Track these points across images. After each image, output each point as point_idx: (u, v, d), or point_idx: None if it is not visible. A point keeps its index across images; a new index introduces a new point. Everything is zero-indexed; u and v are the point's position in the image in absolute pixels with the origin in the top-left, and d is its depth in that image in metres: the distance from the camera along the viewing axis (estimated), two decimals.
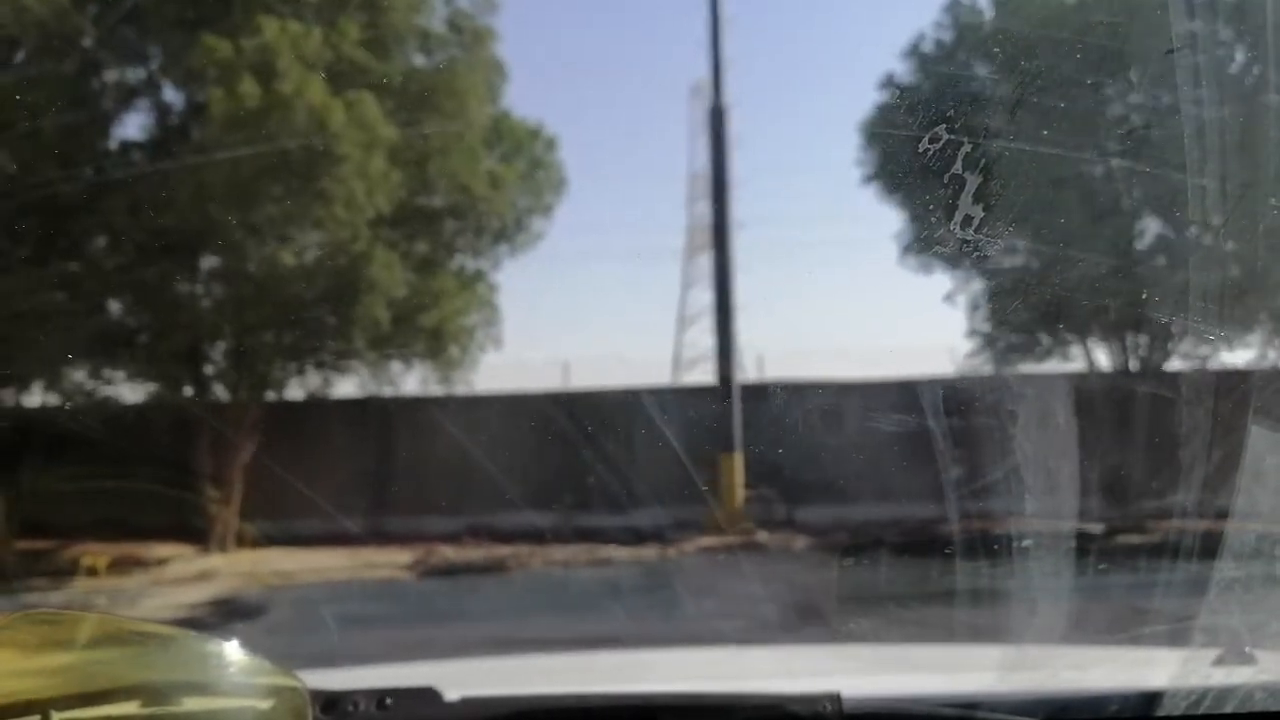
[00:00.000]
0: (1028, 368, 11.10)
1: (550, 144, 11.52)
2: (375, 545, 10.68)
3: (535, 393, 12.34)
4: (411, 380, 10.59)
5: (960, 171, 1.53)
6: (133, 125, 10.94)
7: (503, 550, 10.55)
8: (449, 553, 10.47)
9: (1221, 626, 1.50)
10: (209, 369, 10.87)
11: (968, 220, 1.53)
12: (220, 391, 10.86)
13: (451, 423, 12.00)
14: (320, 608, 8.30)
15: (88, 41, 9.78)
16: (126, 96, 9.98)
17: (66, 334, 9.66)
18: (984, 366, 10.60)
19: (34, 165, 9.02)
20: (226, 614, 8.41)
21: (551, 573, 9.89)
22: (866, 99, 13.43)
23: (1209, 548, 1.61)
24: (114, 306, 10.55)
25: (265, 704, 1.00)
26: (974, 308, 10.46)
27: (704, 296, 21.02)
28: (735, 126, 12.13)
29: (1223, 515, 1.63)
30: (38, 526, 10.58)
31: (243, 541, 10.77)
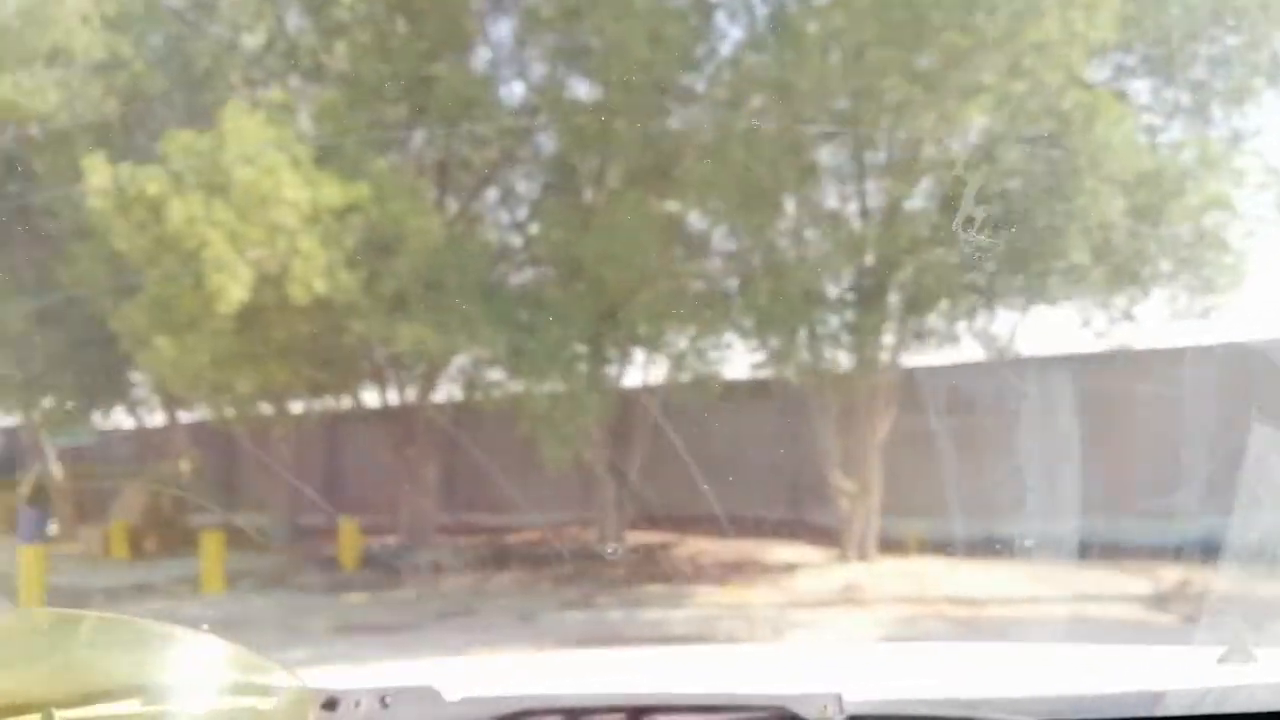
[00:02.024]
0: None
1: None
2: (1083, 560, 7.44)
3: None
4: (1151, 311, 6.95)
5: None
6: None
7: None
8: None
9: (1225, 625, 1.44)
10: (821, 328, 8.44)
11: None
12: (838, 355, 8.37)
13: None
14: None
15: None
16: None
17: (672, 291, 7.96)
18: None
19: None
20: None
21: None
22: None
23: None
24: (711, 255, 8.72)
25: (267, 703, 0.98)
26: None
27: None
28: None
29: None
30: (647, 517, 9.14)
31: (887, 547, 8.20)
